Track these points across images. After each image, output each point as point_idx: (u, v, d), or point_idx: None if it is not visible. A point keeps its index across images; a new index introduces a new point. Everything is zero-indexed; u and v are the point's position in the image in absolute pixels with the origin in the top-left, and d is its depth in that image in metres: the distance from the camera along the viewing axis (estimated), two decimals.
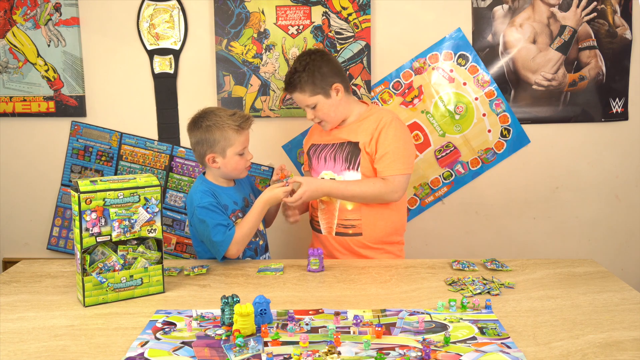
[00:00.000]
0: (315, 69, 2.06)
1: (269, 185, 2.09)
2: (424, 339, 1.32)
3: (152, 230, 1.66)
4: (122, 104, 2.68)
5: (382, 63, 2.63)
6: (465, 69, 2.62)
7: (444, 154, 2.68)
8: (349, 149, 2.11)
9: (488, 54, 2.62)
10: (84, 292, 1.57)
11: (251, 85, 2.62)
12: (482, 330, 1.39)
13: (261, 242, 2.10)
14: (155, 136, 2.70)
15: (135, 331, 1.42)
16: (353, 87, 2.60)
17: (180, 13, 2.59)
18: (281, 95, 2.63)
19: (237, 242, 1.92)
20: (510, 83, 2.64)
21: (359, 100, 2.28)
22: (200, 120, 1.98)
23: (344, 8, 2.57)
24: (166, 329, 1.42)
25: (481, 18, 2.60)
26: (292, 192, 1.98)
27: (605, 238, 2.78)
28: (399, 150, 2.06)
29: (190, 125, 2.01)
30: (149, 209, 1.64)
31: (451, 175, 2.71)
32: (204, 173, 2.08)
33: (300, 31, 2.59)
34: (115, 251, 1.64)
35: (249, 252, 2.05)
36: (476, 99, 2.64)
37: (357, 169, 2.09)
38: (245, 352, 1.29)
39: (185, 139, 2.68)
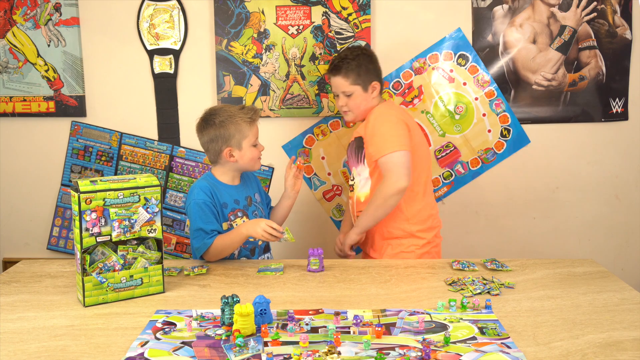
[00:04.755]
0: (364, 62, 2.19)
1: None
2: (424, 339, 1.32)
3: (152, 230, 1.66)
4: (122, 104, 2.68)
5: (382, 63, 2.60)
6: (465, 69, 2.62)
7: (444, 154, 2.68)
8: (356, 144, 2.22)
9: (488, 54, 2.62)
10: (84, 292, 1.57)
11: (251, 85, 2.62)
12: (482, 330, 1.39)
13: (260, 242, 2.09)
14: (155, 136, 2.70)
15: (135, 331, 1.42)
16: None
17: (180, 13, 2.59)
18: (281, 95, 2.63)
19: (210, 253, 1.93)
20: (510, 83, 2.64)
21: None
22: (212, 118, 1.99)
23: (344, 8, 2.57)
24: (166, 329, 1.42)
25: (481, 18, 2.60)
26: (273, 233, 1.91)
27: (605, 238, 2.78)
28: (387, 131, 2.08)
29: (201, 124, 2.02)
30: (149, 209, 1.64)
31: (451, 175, 2.71)
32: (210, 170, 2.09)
33: (300, 31, 2.59)
34: (115, 251, 1.63)
35: (244, 251, 2.05)
36: (476, 99, 2.64)
37: (363, 163, 2.18)
38: (245, 352, 1.29)
39: (185, 139, 2.68)
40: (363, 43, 2.58)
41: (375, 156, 2.09)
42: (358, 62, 2.18)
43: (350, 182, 2.29)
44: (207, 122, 2.00)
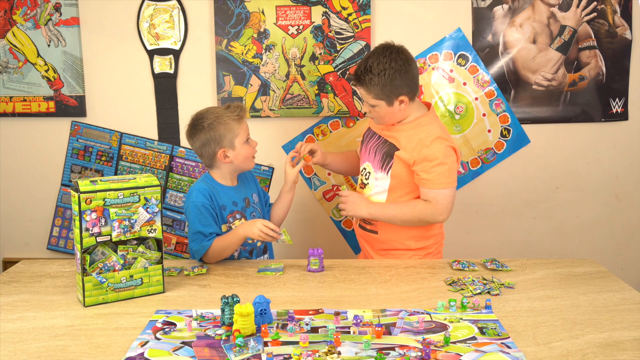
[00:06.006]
0: (389, 79, 1.95)
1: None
2: (424, 339, 1.32)
3: (152, 230, 1.66)
4: (122, 104, 2.68)
5: None
6: (465, 69, 2.62)
7: None
8: (387, 150, 2.06)
9: (488, 54, 2.62)
10: (84, 292, 1.57)
11: (251, 85, 2.62)
12: (482, 330, 1.39)
13: (259, 244, 2.09)
14: (155, 136, 2.70)
15: (135, 331, 1.42)
16: (353, 87, 2.61)
17: (180, 13, 2.59)
18: (281, 95, 2.63)
19: (208, 255, 1.92)
20: (510, 83, 2.64)
21: (421, 101, 2.16)
22: (200, 122, 1.98)
23: (344, 8, 2.57)
24: (166, 329, 1.42)
25: (481, 18, 2.60)
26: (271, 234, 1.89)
27: (605, 238, 2.78)
28: (451, 166, 2.00)
29: (191, 130, 2.00)
30: (149, 209, 1.64)
31: None
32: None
33: (300, 31, 2.59)
34: (115, 251, 1.64)
35: (244, 252, 2.05)
36: (476, 99, 2.64)
37: (387, 173, 2.05)
38: (245, 352, 1.30)
39: (185, 139, 2.67)
40: (363, 43, 2.58)
41: (429, 186, 1.99)
42: (381, 79, 1.94)
43: (365, 181, 2.15)
44: (196, 127, 1.98)
